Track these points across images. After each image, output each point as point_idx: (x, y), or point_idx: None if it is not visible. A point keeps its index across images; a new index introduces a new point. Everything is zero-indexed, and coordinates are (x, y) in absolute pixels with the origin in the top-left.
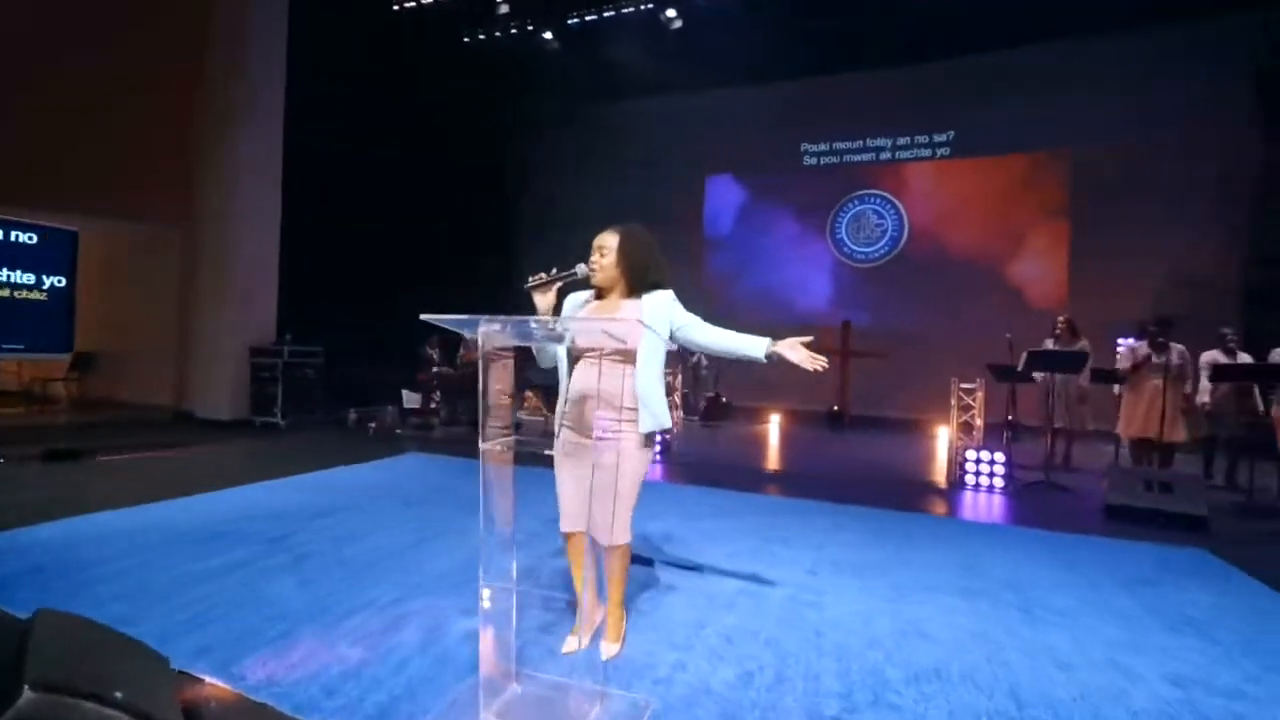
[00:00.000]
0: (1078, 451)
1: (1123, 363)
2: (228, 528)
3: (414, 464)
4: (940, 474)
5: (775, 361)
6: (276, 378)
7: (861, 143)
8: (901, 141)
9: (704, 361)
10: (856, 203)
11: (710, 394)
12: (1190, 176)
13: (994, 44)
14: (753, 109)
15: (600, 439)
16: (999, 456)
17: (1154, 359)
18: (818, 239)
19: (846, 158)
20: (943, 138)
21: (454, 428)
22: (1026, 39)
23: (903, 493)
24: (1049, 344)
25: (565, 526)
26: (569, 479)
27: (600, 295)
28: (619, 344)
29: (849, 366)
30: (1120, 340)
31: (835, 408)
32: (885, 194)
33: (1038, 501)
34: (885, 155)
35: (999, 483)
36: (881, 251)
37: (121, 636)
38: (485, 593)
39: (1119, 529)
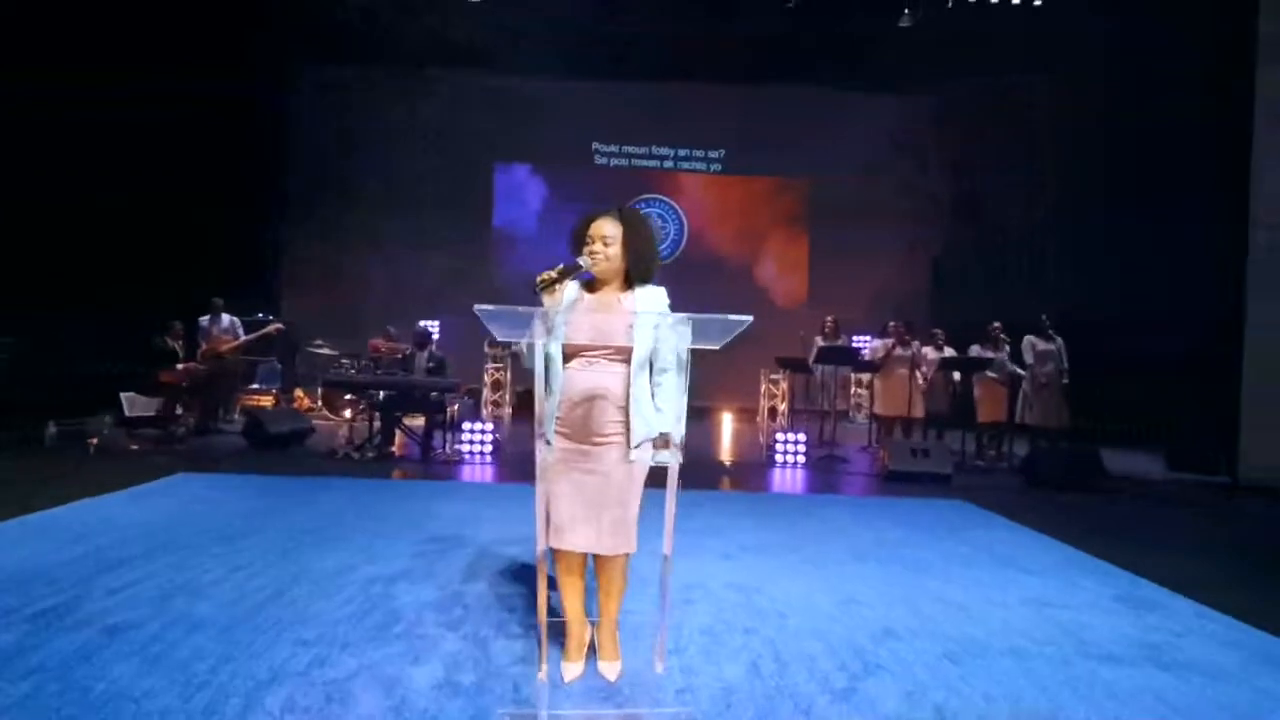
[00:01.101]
0: (827, 428)
1: (875, 355)
2: None
3: (193, 488)
4: (751, 453)
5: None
6: None
7: (648, 149)
8: (682, 153)
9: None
10: (644, 205)
11: (520, 388)
12: (896, 209)
13: (760, 78)
14: (547, 100)
15: (611, 443)
16: (801, 436)
17: (900, 352)
18: None
19: (634, 161)
20: (716, 154)
21: (209, 437)
22: (788, 78)
23: (731, 472)
24: (819, 340)
25: (567, 544)
26: (569, 490)
27: (591, 288)
28: (628, 342)
29: None
30: (857, 337)
31: None
32: (668, 199)
33: (834, 472)
34: (668, 164)
35: (801, 459)
36: (666, 253)
37: None
38: (543, 628)
39: (900, 489)
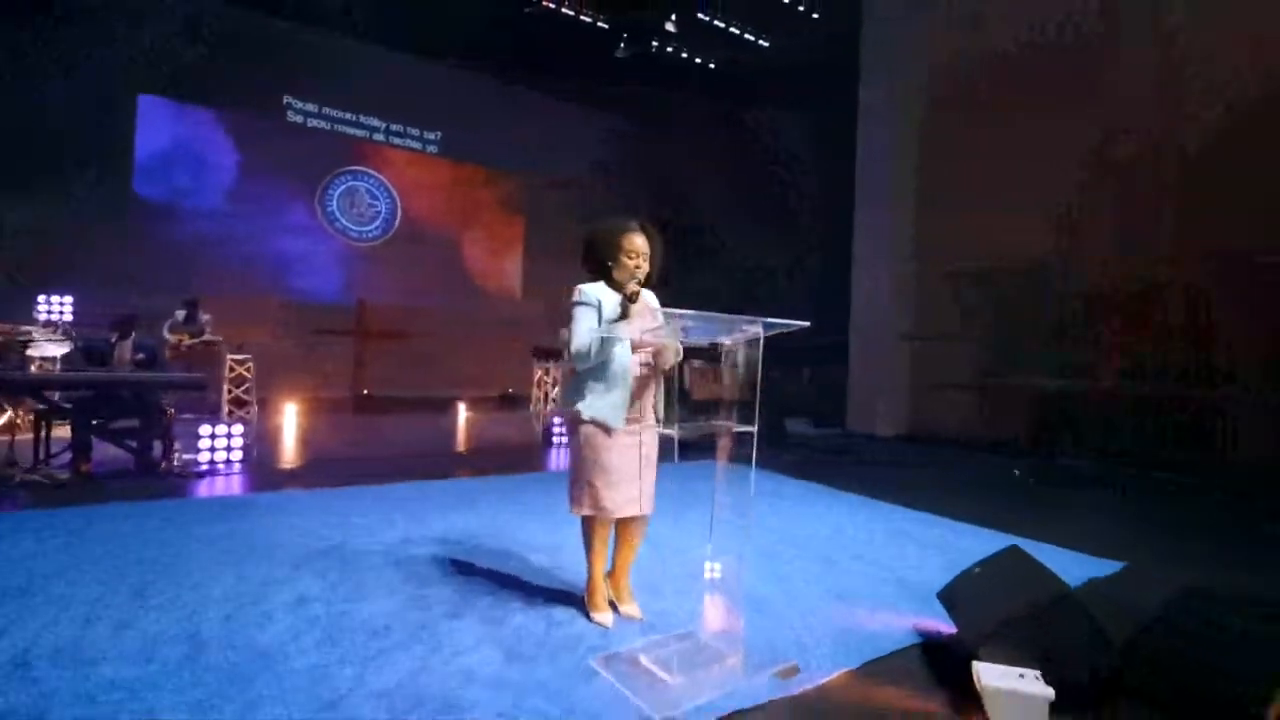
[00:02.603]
0: None
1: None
2: None
3: None
4: (529, 438)
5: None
6: None
7: (355, 116)
8: (395, 127)
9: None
10: (349, 177)
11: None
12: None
13: (486, 69)
14: (224, 29)
15: (652, 421)
16: None
17: None
18: (308, 209)
19: (338, 127)
20: (433, 135)
21: None
22: (513, 76)
23: (524, 457)
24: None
25: (625, 512)
26: (626, 466)
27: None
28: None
29: (366, 347)
30: None
31: (365, 391)
32: (377, 174)
33: None
34: (379, 136)
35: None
36: (376, 231)
37: None
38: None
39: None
